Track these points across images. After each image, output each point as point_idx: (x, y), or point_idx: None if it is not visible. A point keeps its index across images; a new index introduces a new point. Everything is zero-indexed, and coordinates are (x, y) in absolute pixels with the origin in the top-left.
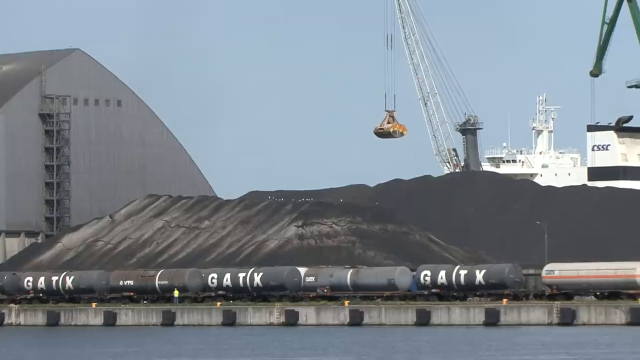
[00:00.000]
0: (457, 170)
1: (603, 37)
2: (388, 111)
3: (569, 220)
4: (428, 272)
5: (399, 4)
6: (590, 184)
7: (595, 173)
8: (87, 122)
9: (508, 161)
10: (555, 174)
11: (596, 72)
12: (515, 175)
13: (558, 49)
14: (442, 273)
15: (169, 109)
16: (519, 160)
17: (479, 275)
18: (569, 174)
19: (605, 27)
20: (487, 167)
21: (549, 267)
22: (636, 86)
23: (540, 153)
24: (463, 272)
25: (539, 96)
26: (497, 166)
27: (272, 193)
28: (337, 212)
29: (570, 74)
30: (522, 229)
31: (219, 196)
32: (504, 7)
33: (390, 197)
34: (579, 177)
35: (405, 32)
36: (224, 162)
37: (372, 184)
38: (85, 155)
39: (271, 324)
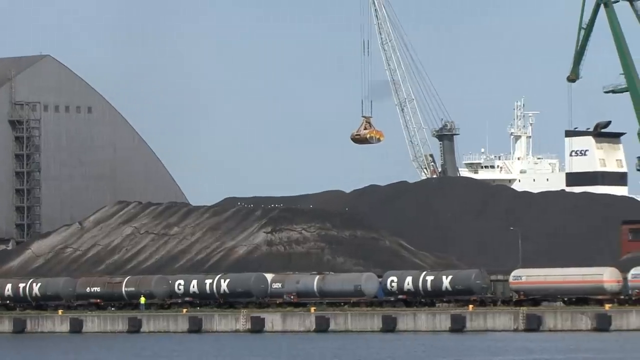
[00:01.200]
0: (434, 176)
1: (580, 42)
2: (365, 117)
3: (545, 225)
4: (394, 278)
5: (376, 11)
6: (568, 189)
7: (574, 178)
8: (58, 128)
9: (486, 167)
10: (534, 180)
11: (573, 77)
12: (494, 180)
13: (536, 55)
14: (409, 279)
15: (142, 116)
16: (497, 166)
17: (446, 281)
18: (547, 179)
19: (582, 32)
20: (465, 172)
21: (516, 272)
22: (613, 91)
23: (519, 159)
24: (430, 278)
25: (516, 102)
26: (475, 172)
27: (247, 199)
28: (306, 218)
29: (548, 79)
30: (498, 234)
31: (194, 203)
32: (481, 13)
33: (366, 203)
34: (557, 183)
35: (381, 38)
36: (199, 169)
37: (348, 190)
38: (56, 162)
39: (237, 331)
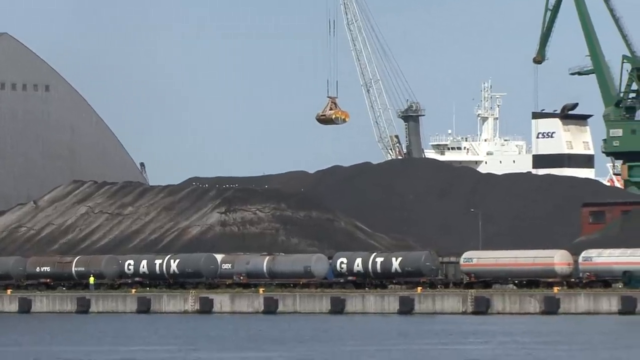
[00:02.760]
0: (400, 157)
1: (546, 24)
2: (330, 97)
3: (509, 207)
4: (344, 260)
5: None
6: (535, 171)
7: (540, 160)
8: (14, 106)
9: (453, 148)
10: (500, 162)
11: (539, 58)
12: (460, 162)
13: (503, 36)
14: (359, 261)
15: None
16: (464, 148)
17: (395, 263)
18: (514, 161)
19: (549, 13)
20: (432, 154)
21: (467, 255)
22: (579, 73)
23: (486, 140)
24: (379, 260)
25: (483, 83)
26: (442, 153)
27: (211, 180)
28: (261, 199)
29: (515, 60)
30: (460, 216)
31: (158, 184)
32: None
33: (329, 184)
34: (524, 165)
35: (347, 18)
36: (163, 150)
37: (312, 171)
38: (13, 140)
39: (186, 312)
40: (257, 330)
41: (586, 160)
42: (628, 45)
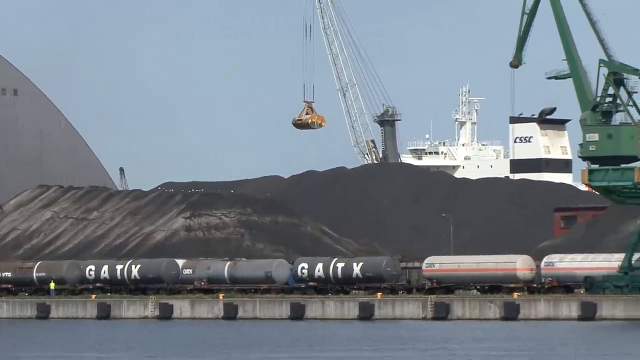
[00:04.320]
0: (376, 162)
1: (523, 28)
2: (306, 102)
3: (483, 212)
4: (305, 265)
5: None
6: (512, 176)
7: (518, 165)
8: None
9: (430, 153)
10: (478, 166)
11: (516, 63)
12: (438, 167)
13: (480, 40)
14: (320, 266)
15: (74, 101)
16: (442, 152)
17: (357, 269)
18: (492, 166)
19: (525, 17)
20: (409, 159)
21: (429, 260)
22: (555, 77)
23: (463, 145)
24: (340, 265)
25: (461, 87)
26: (420, 158)
27: (186, 184)
28: (226, 204)
29: (493, 65)
30: (433, 221)
31: (138, 188)
32: None
33: (303, 189)
34: (502, 169)
35: (324, 22)
36: (140, 154)
37: (287, 176)
38: None
39: (146, 317)
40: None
41: (564, 165)
42: (605, 49)
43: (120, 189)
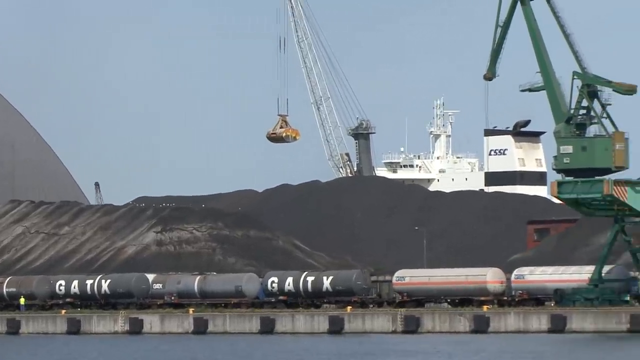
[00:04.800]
0: (351, 175)
1: (497, 40)
2: (281, 115)
3: (457, 225)
4: (275, 279)
5: (292, 8)
6: (487, 189)
7: (492, 178)
8: None
9: (405, 166)
10: (453, 179)
11: (490, 75)
12: (413, 180)
13: (454, 53)
14: (290, 280)
15: (49, 116)
16: (417, 165)
17: (327, 282)
18: (466, 179)
19: (499, 30)
20: (384, 172)
21: (399, 273)
22: (529, 90)
23: (438, 158)
24: (310, 279)
25: (436, 100)
26: (395, 171)
27: (161, 199)
28: (197, 218)
29: (468, 78)
30: (407, 234)
31: (108, 202)
32: (399, 12)
33: (277, 203)
34: (477, 182)
35: (298, 36)
36: (115, 168)
37: (261, 189)
38: None
39: (116, 332)
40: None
41: (538, 178)
42: (578, 61)
43: (95, 203)
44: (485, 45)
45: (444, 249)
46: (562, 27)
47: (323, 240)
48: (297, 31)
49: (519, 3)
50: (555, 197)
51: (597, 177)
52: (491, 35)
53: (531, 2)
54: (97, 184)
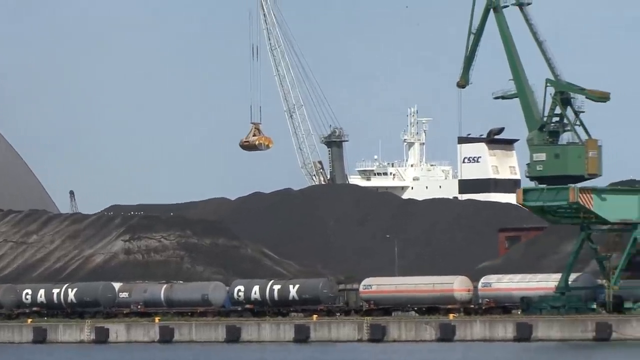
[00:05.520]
0: (324, 183)
1: (469, 47)
2: (254, 123)
3: (429, 233)
4: (241, 288)
5: (265, 16)
6: (461, 196)
7: (466, 186)
8: None
9: (379, 174)
10: (426, 187)
11: (463, 83)
12: (387, 188)
13: (428, 60)
14: (256, 288)
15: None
16: (390, 173)
17: (293, 291)
18: (440, 186)
19: (472, 37)
20: (357, 180)
21: (366, 281)
22: (502, 97)
23: (412, 166)
24: (277, 287)
25: (410, 108)
26: (368, 179)
27: (134, 207)
28: (166, 226)
29: (441, 85)
30: (379, 242)
31: (82, 211)
32: (370, 20)
33: (250, 211)
34: (450, 190)
35: (270, 44)
36: (90, 177)
37: (234, 197)
38: None
39: (82, 341)
40: None
41: (512, 185)
42: (551, 68)
43: (71, 211)
44: (458, 52)
45: (417, 256)
46: (534, 34)
47: (294, 249)
48: (269, 39)
49: (491, 10)
50: (520, 204)
51: (562, 185)
52: (464, 43)
53: (504, 10)
54: (72, 192)
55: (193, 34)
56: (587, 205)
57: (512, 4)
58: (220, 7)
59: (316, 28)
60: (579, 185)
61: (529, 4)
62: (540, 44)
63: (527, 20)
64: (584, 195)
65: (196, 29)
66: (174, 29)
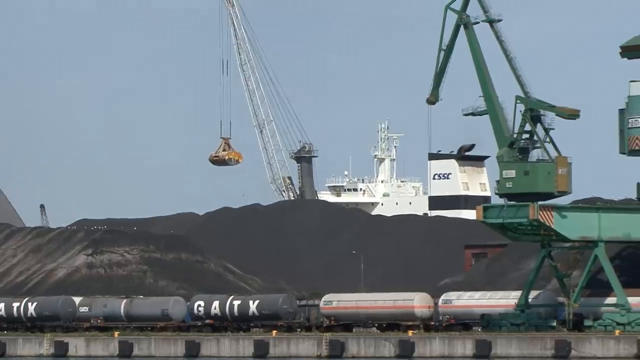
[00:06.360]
0: (293, 198)
1: (440, 64)
2: (223, 138)
3: (395, 249)
4: (202, 303)
5: (235, 31)
6: (430, 213)
7: (436, 202)
8: None
9: (349, 190)
10: (397, 203)
11: (433, 99)
12: (357, 204)
13: (399, 77)
14: (216, 303)
15: None
16: (360, 189)
17: (253, 306)
18: (410, 203)
19: (442, 54)
20: (327, 195)
21: (327, 297)
22: (472, 114)
23: (382, 182)
24: (237, 303)
25: (380, 124)
26: (339, 195)
27: (102, 221)
28: (129, 241)
29: (412, 101)
30: (348, 258)
31: (52, 225)
32: (343, 35)
33: (218, 226)
34: (421, 206)
35: (240, 58)
36: (59, 191)
37: (202, 212)
38: None
39: (41, 355)
40: None
41: (482, 202)
42: (521, 85)
43: (41, 225)
44: (428, 69)
45: (383, 273)
46: (505, 51)
47: (261, 264)
48: (239, 54)
49: (462, 27)
50: (481, 222)
51: (522, 202)
52: (434, 59)
53: (474, 26)
54: (42, 206)
55: (163, 49)
56: (547, 223)
57: (483, 21)
58: (190, 22)
59: (286, 43)
60: (542, 203)
61: (499, 20)
62: (510, 60)
63: (497, 37)
64: (544, 212)
65: (166, 44)
66: (143, 44)
